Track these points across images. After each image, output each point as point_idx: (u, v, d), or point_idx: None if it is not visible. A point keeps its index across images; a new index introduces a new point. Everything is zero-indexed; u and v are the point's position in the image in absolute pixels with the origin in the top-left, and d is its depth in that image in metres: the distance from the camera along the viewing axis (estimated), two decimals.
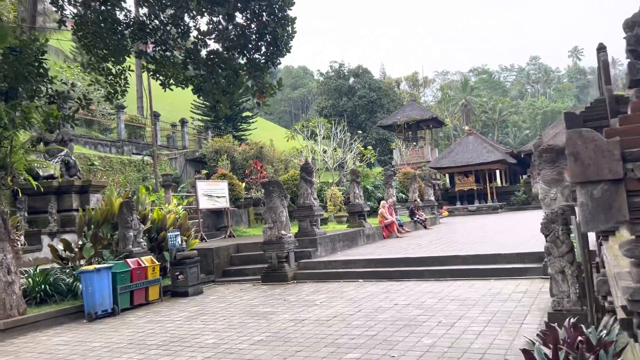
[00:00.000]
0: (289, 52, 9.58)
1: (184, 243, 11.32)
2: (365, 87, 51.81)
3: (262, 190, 11.99)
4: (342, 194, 21.76)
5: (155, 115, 29.30)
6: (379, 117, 48.45)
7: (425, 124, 40.85)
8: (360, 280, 10.98)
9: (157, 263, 10.33)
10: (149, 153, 23.79)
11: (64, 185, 15.51)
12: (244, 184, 18.68)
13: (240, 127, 42.59)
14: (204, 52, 9.82)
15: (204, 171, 21.09)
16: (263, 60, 9.62)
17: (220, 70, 9.82)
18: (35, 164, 15.85)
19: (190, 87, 10.13)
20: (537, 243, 11.08)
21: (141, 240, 10.85)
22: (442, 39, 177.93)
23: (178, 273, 10.75)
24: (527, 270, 9.78)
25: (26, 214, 14.69)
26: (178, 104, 45.69)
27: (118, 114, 25.38)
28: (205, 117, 41.88)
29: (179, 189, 22.35)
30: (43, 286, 9.01)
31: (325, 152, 25.64)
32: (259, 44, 9.57)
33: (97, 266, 8.94)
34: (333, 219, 20.12)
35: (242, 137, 37.98)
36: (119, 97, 10.29)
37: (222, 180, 16.95)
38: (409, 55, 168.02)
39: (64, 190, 15.53)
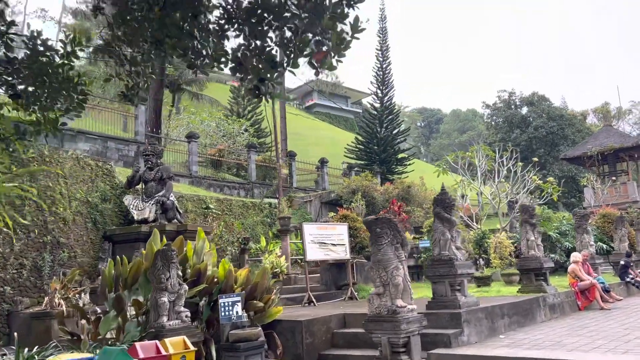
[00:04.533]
0: None
1: (244, 315, 7.40)
2: (543, 117, 43.78)
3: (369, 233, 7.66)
4: (513, 242, 16.11)
5: (291, 155, 26.91)
6: (562, 150, 40.16)
7: (626, 153, 32.02)
8: None
9: (192, 348, 6.56)
10: (268, 194, 21.05)
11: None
12: None
13: (395, 169, 38.94)
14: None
15: (331, 213, 17.36)
16: None
17: (270, 31, 6.01)
18: (131, 205, 13.80)
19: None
20: None
21: (182, 309, 7.26)
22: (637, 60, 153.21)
23: None
24: None
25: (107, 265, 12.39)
26: (328, 150, 43.90)
27: (249, 153, 23.31)
28: (359, 161, 39.38)
29: None
30: None
31: (492, 193, 20.15)
32: None
33: (70, 358, 5.45)
34: (500, 278, 14.60)
35: (398, 180, 34.13)
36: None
37: (340, 224, 12.91)
38: (595, 83, 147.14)
39: None
